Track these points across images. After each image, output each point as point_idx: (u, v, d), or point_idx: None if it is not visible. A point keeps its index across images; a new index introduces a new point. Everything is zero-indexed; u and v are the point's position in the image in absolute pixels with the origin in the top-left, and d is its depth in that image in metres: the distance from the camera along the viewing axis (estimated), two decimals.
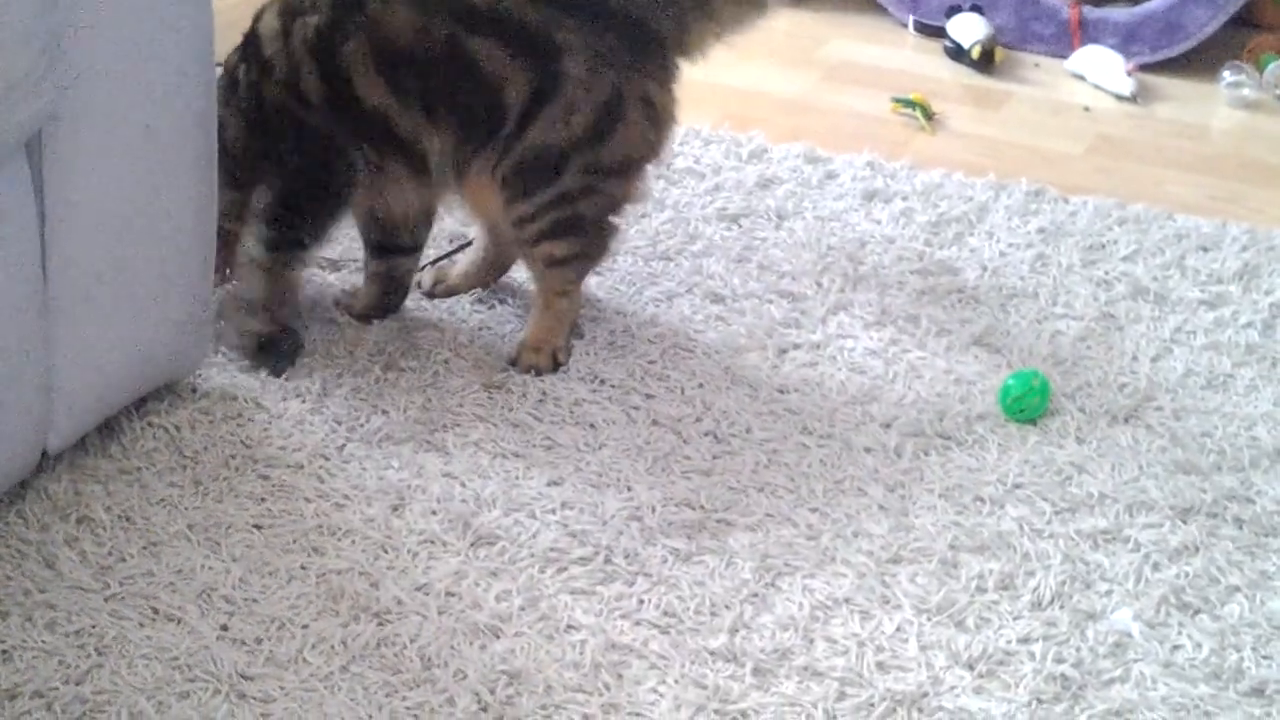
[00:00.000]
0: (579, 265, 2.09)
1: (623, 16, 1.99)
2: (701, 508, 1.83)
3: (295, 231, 2.06)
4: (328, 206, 2.05)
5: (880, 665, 1.63)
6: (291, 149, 2.02)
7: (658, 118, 2.04)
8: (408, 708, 1.56)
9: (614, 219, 2.07)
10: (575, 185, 2.00)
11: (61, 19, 1.61)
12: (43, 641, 1.61)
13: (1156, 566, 1.76)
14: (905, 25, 3.15)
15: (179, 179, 1.85)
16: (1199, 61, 2.95)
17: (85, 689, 1.56)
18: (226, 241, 2.04)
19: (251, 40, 2.05)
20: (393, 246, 2.14)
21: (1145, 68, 2.95)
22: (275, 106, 2.02)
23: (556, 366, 2.06)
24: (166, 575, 1.71)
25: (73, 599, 1.67)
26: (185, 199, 1.86)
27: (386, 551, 1.76)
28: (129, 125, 1.76)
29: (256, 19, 2.05)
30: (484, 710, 1.57)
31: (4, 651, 1.60)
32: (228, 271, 2.12)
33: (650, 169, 2.08)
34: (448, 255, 2.31)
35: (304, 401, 1.99)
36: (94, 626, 1.64)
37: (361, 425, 1.95)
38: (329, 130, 2.01)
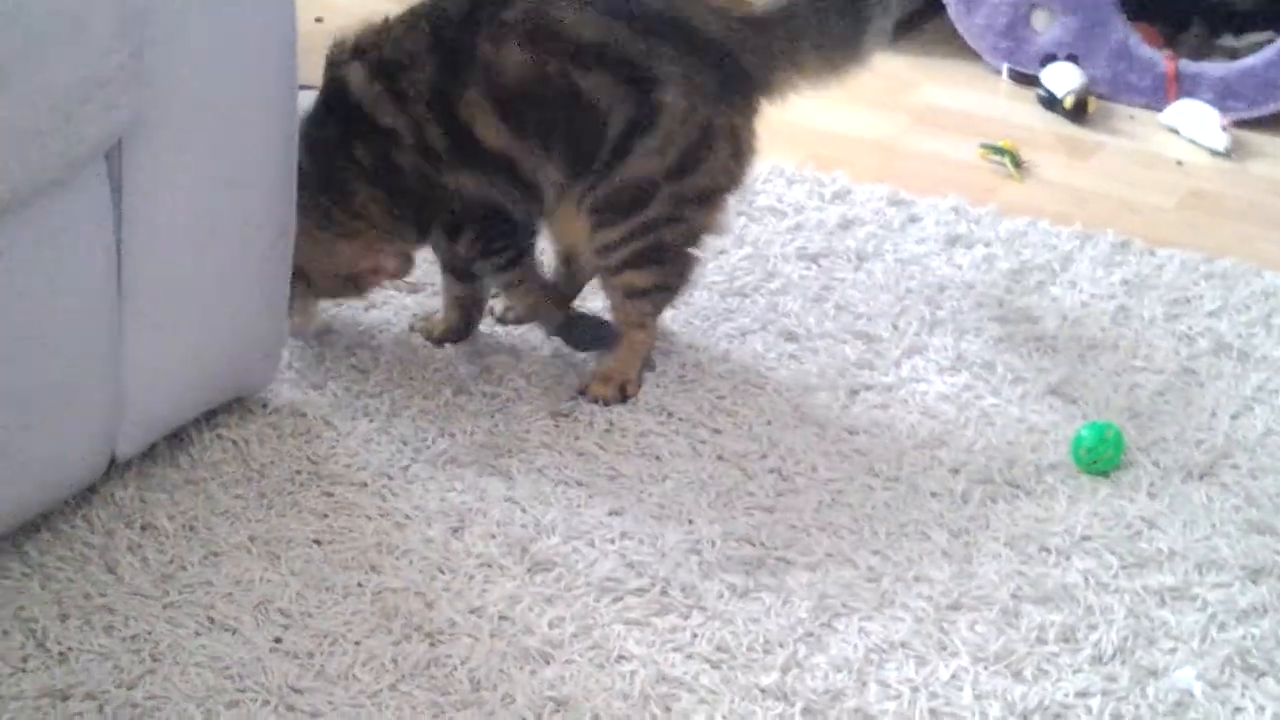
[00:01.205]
0: (658, 297, 2.09)
1: (716, 49, 2.00)
2: (762, 544, 1.82)
3: (507, 249, 2.10)
4: (514, 217, 2.07)
5: (933, 712, 1.61)
6: (449, 198, 2.04)
7: (740, 150, 2.05)
8: None
9: (694, 250, 2.07)
10: (661, 214, 2.01)
11: (144, 30, 1.63)
12: (99, 645, 1.63)
13: (1223, 626, 1.72)
14: (999, 73, 3.13)
15: (258, 194, 1.87)
16: None
17: (137, 693, 1.58)
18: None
19: (344, 102, 2.03)
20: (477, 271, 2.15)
21: (1241, 124, 2.90)
22: (417, 171, 2.03)
23: (625, 399, 2.06)
24: (225, 585, 1.72)
25: (131, 604, 1.69)
26: (264, 214, 1.88)
27: (443, 572, 1.76)
28: (209, 139, 1.78)
29: (338, 80, 2.03)
30: None
31: (61, 653, 1.62)
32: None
33: (730, 200, 2.08)
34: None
35: (372, 421, 2.00)
36: (150, 633, 1.65)
37: (427, 447, 1.96)
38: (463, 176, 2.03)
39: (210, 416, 1.95)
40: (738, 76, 2.02)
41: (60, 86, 1.56)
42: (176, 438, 1.92)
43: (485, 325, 2.21)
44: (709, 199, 2.05)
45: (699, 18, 2.01)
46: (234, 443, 1.93)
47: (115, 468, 1.84)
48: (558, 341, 2.17)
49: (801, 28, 2.04)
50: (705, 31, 2.01)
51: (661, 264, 2.05)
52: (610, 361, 2.09)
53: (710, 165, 2.02)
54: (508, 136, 1.99)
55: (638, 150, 1.98)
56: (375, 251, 2.10)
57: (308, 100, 2.67)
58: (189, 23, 1.71)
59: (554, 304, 2.16)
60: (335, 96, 2.03)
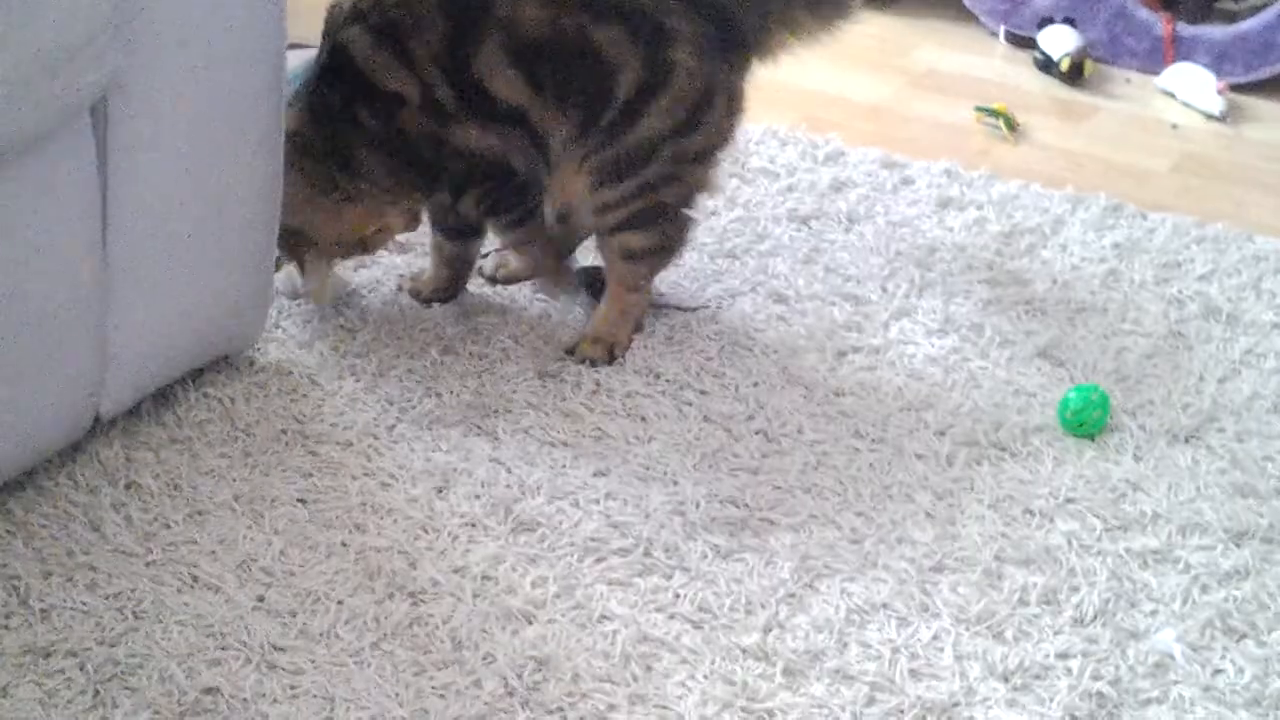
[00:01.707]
0: (654, 260, 2.09)
1: (718, 7, 2.00)
2: (746, 506, 1.82)
3: (515, 207, 2.10)
4: (521, 174, 2.06)
5: (913, 673, 1.61)
6: (456, 157, 2.04)
7: (734, 108, 2.06)
8: (434, 687, 1.56)
9: (690, 211, 2.07)
10: (661, 173, 2.01)
11: None
12: (82, 603, 1.63)
13: (1205, 589, 1.73)
14: (996, 35, 3.12)
15: (245, 153, 1.86)
16: None
17: (119, 651, 1.58)
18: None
19: (346, 68, 2.02)
20: (468, 230, 2.15)
21: (1236, 88, 2.89)
22: (424, 133, 2.02)
23: (613, 360, 2.06)
24: (209, 544, 1.72)
25: (115, 562, 1.69)
26: (250, 173, 1.88)
27: (427, 532, 1.76)
28: (196, 97, 1.77)
29: (339, 45, 2.02)
30: (510, 694, 1.56)
31: (43, 610, 1.62)
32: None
33: (723, 158, 2.08)
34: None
35: (358, 380, 2.00)
36: (133, 590, 1.65)
37: (413, 407, 1.96)
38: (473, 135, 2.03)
39: (196, 375, 1.96)
40: (735, 33, 2.02)
41: (46, 40, 1.55)
42: (162, 396, 1.92)
43: (474, 285, 2.21)
44: (706, 157, 2.05)
45: None
46: (219, 401, 1.93)
47: (100, 426, 1.84)
48: (551, 300, 2.17)
49: None
50: None
51: (659, 225, 2.05)
52: (601, 323, 2.09)
53: (710, 123, 2.02)
54: (523, 90, 1.99)
55: (653, 109, 1.98)
56: (382, 212, 2.09)
57: (297, 59, 2.67)
58: None
59: (559, 267, 2.18)
60: (336, 62, 2.02)
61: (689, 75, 1.98)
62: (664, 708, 1.56)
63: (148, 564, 1.69)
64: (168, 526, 1.74)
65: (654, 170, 2.01)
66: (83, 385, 1.77)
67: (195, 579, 1.68)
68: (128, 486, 1.79)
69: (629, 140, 1.99)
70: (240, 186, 1.88)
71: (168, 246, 1.81)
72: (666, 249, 2.09)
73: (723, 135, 2.06)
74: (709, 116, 2.02)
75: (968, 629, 1.66)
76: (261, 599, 1.66)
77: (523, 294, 2.20)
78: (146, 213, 1.76)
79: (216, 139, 1.82)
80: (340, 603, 1.66)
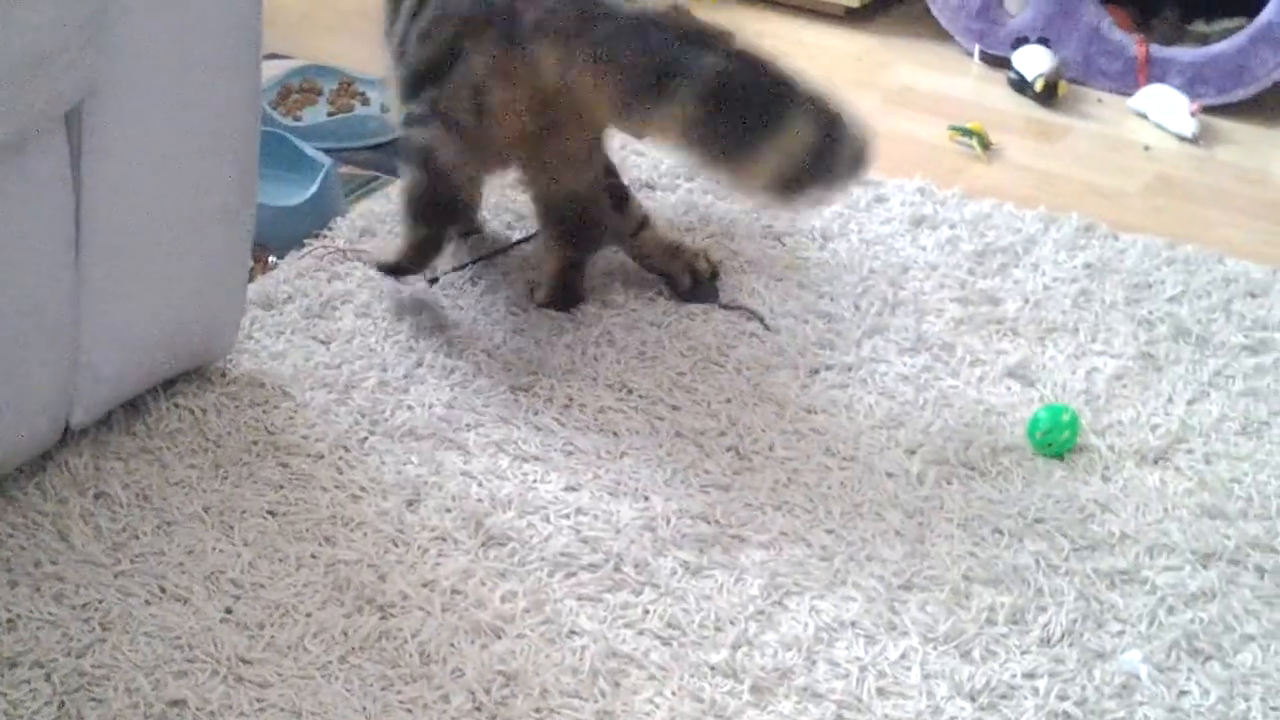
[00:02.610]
0: None
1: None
2: (716, 522, 1.82)
3: None
4: None
5: (881, 691, 1.62)
6: None
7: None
8: (401, 701, 1.56)
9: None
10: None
11: None
12: (49, 613, 1.63)
13: (1171, 610, 1.73)
14: (971, 55, 3.13)
15: (220, 163, 1.86)
16: (1265, 106, 2.91)
17: (85, 662, 1.58)
18: None
19: None
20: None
21: (1209, 110, 2.91)
22: None
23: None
24: (177, 555, 1.72)
25: (82, 573, 1.69)
26: (225, 182, 1.88)
27: (397, 546, 1.76)
28: (172, 104, 1.77)
29: None
30: (478, 709, 1.56)
31: (9, 620, 1.62)
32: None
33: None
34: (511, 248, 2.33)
35: (330, 392, 1.99)
36: (101, 601, 1.65)
37: (385, 419, 1.96)
38: None
39: (168, 385, 1.95)
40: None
41: (20, 47, 1.55)
42: (133, 406, 1.91)
43: (449, 299, 2.21)
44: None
45: None
46: (191, 412, 1.93)
47: (70, 435, 1.83)
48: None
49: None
50: None
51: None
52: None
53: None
54: None
55: None
56: None
57: (276, 70, 2.68)
58: None
59: None
60: None
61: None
62: None
63: (116, 575, 1.69)
64: (136, 537, 1.74)
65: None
66: (53, 395, 1.76)
67: (163, 590, 1.67)
68: (97, 496, 1.79)
69: None
70: (215, 196, 1.88)
71: (141, 256, 1.80)
72: None
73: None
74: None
75: (935, 648, 1.67)
76: (230, 611, 1.66)
77: (497, 309, 2.20)
78: (120, 222, 1.76)
79: (192, 148, 1.82)
80: (309, 615, 1.65)
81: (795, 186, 1.93)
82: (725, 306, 2.21)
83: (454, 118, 2.02)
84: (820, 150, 1.90)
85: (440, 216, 2.14)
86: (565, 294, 2.18)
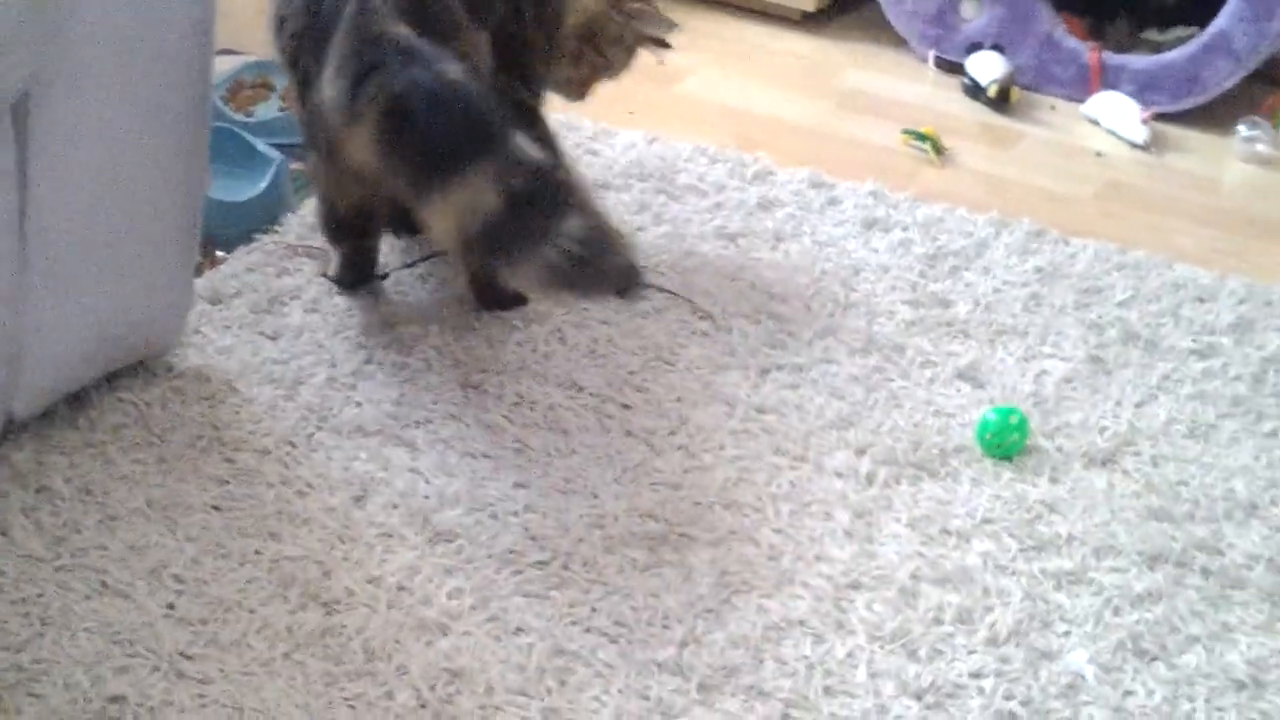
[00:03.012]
0: None
1: None
2: (665, 520, 1.82)
3: None
4: None
5: (827, 689, 1.61)
6: None
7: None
8: (345, 698, 1.55)
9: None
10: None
11: None
12: None
13: (1117, 611, 1.74)
14: (925, 60, 3.14)
15: (168, 156, 1.85)
16: (1216, 114, 2.93)
17: (24, 657, 1.56)
18: None
19: None
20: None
21: (1161, 117, 2.92)
22: None
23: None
24: (119, 550, 1.70)
25: (22, 567, 1.67)
26: (173, 174, 1.86)
27: (343, 542, 1.75)
28: (120, 97, 1.76)
29: None
30: (422, 707, 1.55)
31: None
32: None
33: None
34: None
35: (278, 388, 1.98)
36: (40, 596, 1.63)
37: (333, 415, 1.94)
38: None
39: (112, 379, 1.93)
40: None
41: None
42: (76, 400, 1.89)
43: (398, 295, 2.20)
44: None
45: None
46: (135, 406, 1.91)
47: (12, 428, 1.81)
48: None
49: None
50: None
51: None
52: None
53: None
54: None
55: None
56: None
57: (228, 66, 2.66)
58: None
59: None
60: None
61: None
62: None
63: (56, 569, 1.67)
64: (78, 532, 1.72)
65: None
66: None
67: (105, 585, 1.65)
68: (38, 491, 1.77)
69: None
70: (162, 189, 1.86)
71: (87, 248, 1.78)
72: None
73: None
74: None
75: (882, 647, 1.67)
76: (172, 606, 1.64)
77: (448, 307, 2.18)
78: (66, 213, 1.74)
79: (139, 141, 1.81)
80: (252, 611, 1.64)
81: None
82: (651, 286, 2.17)
83: (316, 140, 1.98)
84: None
85: (346, 234, 2.13)
86: (493, 298, 2.16)
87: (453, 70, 1.79)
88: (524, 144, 1.77)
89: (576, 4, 2.23)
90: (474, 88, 1.80)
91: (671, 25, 2.35)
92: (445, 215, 1.74)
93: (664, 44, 2.36)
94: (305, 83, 1.93)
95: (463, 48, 1.95)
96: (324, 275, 2.19)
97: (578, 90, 2.34)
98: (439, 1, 1.94)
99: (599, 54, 2.29)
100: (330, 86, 1.81)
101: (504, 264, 1.77)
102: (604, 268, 1.77)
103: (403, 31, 1.82)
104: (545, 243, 1.72)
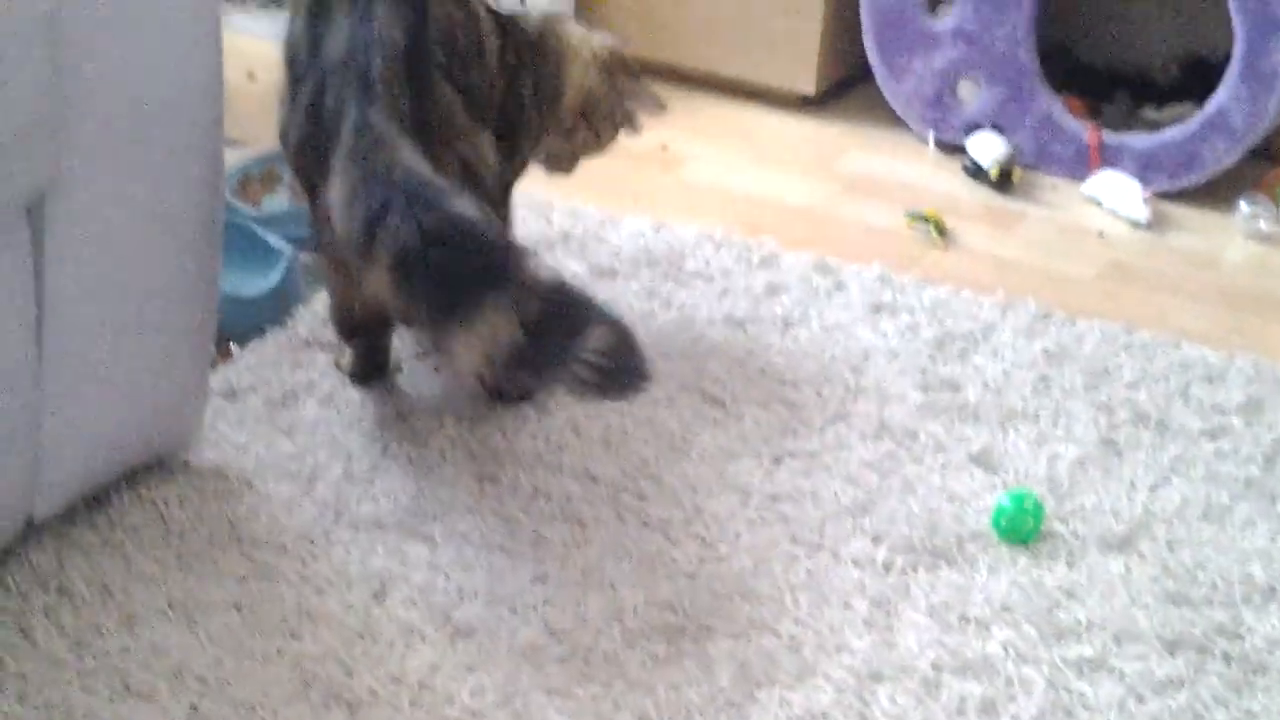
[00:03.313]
0: None
1: None
2: (684, 612, 1.82)
3: None
4: None
5: None
6: None
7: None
8: None
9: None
10: None
11: (65, 87, 1.62)
12: (12, 712, 1.60)
13: (1141, 699, 1.74)
14: (926, 142, 3.17)
15: (181, 252, 1.86)
16: (1216, 192, 2.96)
17: None
18: None
19: None
20: None
21: (1162, 195, 2.95)
22: None
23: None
24: (142, 651, 1.70)
25: (45, 671, 1.66)
26: (187, 274, 1.87)
27: (364, 639, 1.74)
28: (134, 195, 1.77)
29: None
30: None
31: None
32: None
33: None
34: None
35: (294, 483, 1.98)
36: (64, 700, 1.63)
37: (350, 510, 1.94)
38: None
39: (130, 477, 1.93)
40: None
41: None
42: (95, 499, 1.89)
43: (412, 387, 2.20)
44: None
45: None
46: (154, 504, 1.91)
47: (32, 529, 1.81)
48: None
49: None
50: None
51: None
52: None
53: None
54: None
55: None
56: None
57: (236, 159, 2.68)
58: (114, 78, 1.70)
59: None
60: None
61: None
62: None
63: (79, 672, 1.66)
64: (100, 633, 1.72)
65: None
66: (15, 488, 1.74)
67: (128, 688, 1.65)
68: (59, 592, 1.77)
69: None
70: (177, 286, 1.87)
71: (103, 347, 1.79)
72: None
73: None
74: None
75: None
76: (195, 708, 1.64)
77: (460, 395, 2.19)
78: (82, 313, 1.75)
79: (153, 239, 1.82)
80: (275, 712, 1.63)
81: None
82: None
83: (323, 241, 1.99)
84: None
85: (359, 331, 2.15)
86: (504, 393, 2.16)
87: (460, 205, 1.81)
88: (537, 266, 1.80)
89: (574, 81, 2.25)
90: (483, 222, 1.82)
91: (661, 106, 2.37)
92: (469, 348, 1.76)
93: (635, 125, 2.36)
94: (312, 190, 1.95)
95: (465, 151, 1.99)
96: (337, 366, 2.20)
97: (568, 164, 2.36)
98: (440, 107, 1.96)
99: (591, 129, 2.30)
100: (342, 219, 1.84)
101: (534, 382, 1.77)
102: (630, 371, 1.80)
103: (407, 158, 1.85)
104: (571, 359, 1.74)
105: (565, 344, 1.75)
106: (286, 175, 2.71)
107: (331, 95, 1.90)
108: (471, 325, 1.75)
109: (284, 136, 1.99)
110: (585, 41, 2.27)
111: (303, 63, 1.96)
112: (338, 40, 1.93)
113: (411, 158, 1.85)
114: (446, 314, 1.76)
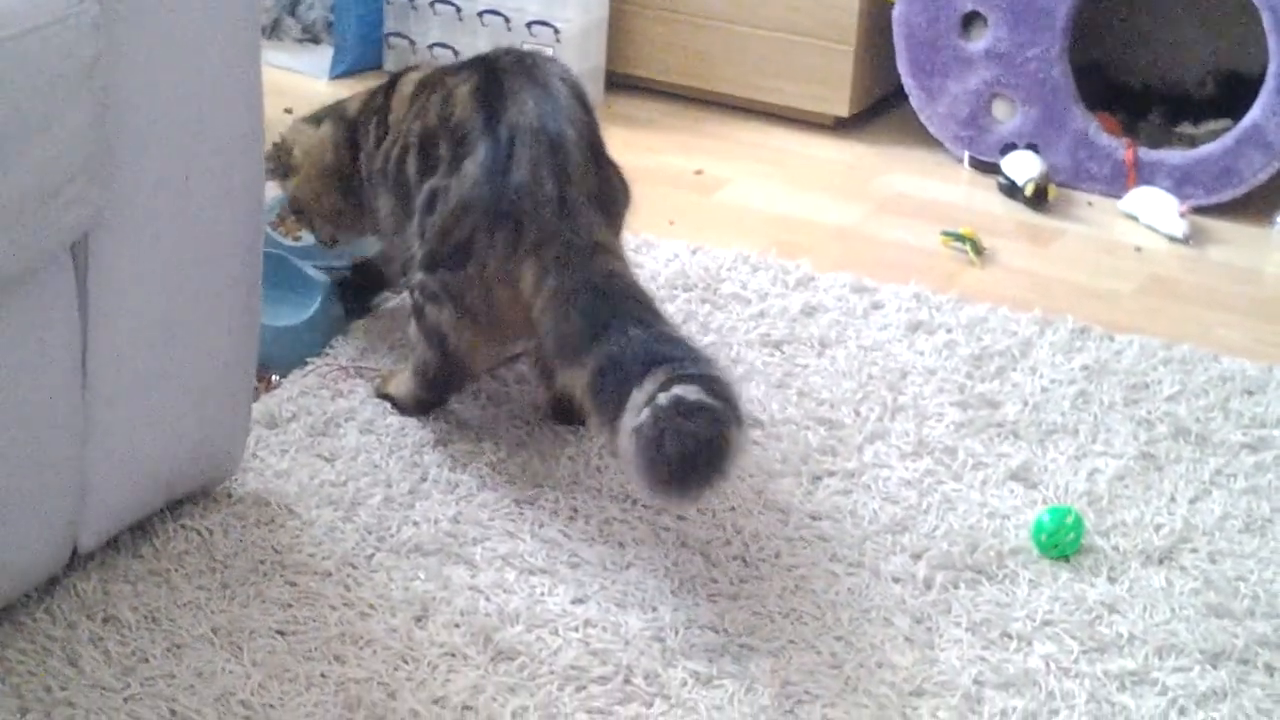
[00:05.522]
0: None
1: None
2: (725, 631, 1.83)
3: None
4: None
5: None
6: None
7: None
8: None
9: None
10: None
11: (109, 129, 1.65)
12: None
13: (1183, 711, 1.73)
14: (961, 161, 3.17)
15: (223, 288, 1.88)
16: (1253, 206, 2.95)
17: None
18: None
19: None
20: None
21: (1199, 210, 2.95)
22: None
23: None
24: (187, 678, 1.72)
25: (93, 698, 1.68)
26: (228, 308, 1.90)
27: (407, 662, 1.76)
28: (176, 232, 1.79)
29: None
30: None
31: None
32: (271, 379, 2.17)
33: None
34: None
35: (336, 510, 2.00)
36: None
37: (391, 535, 1.96)
38: None
39: (174, 506, 1.96)
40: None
41: (28, 178, 1.57)
42: (140, 528, 1.92)
43: (451, 413, 2.22)
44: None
45: None
46: (198, 533, 1.93)
47: (78, 559, 1.84)
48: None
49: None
50: None
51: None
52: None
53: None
54: None
55: None
56: None
57: (274, 192, 2.70)
58: (157, 116, 1.72)
59: None
60: None
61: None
62: None
63: (125, 699, 1.68)
64: (146, 660, 1.74)
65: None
66: (61, 519, 1.77)
67: (174, 713, 1.67)
68: (105, 620, 1.79)
69: None
70: (218, 319, 1.89)
71: (147, 380, 1.81)
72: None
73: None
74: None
75: None
76: None
77: (499, 424, 2.21)
78: (126, 348, 1.78)
79: (195, 273, 1.84)
80: None
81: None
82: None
83: (467, 303, 2.06)
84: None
85: (450, 390, 2.21)
86: (565, 413, 2.19)
87: (660, 324, 1.96)
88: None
89: None
90: (678, 336, 1.97)
91: None
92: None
93: None
94: (470, 253, 2.03)
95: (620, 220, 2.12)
96: (382, 394, 2.21)
97: None
98: (608, 184, 2.09)
99: None
100: (549, 312, 1.96)
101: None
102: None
103: (618, 270, 2.00)
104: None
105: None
106: None
107: (522, 163, 2.01)
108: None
109: (436, 199, 2.08)
110: None
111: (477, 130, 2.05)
112: (524, 108, 2.04)
113: (622, 272, 2.01)
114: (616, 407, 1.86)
